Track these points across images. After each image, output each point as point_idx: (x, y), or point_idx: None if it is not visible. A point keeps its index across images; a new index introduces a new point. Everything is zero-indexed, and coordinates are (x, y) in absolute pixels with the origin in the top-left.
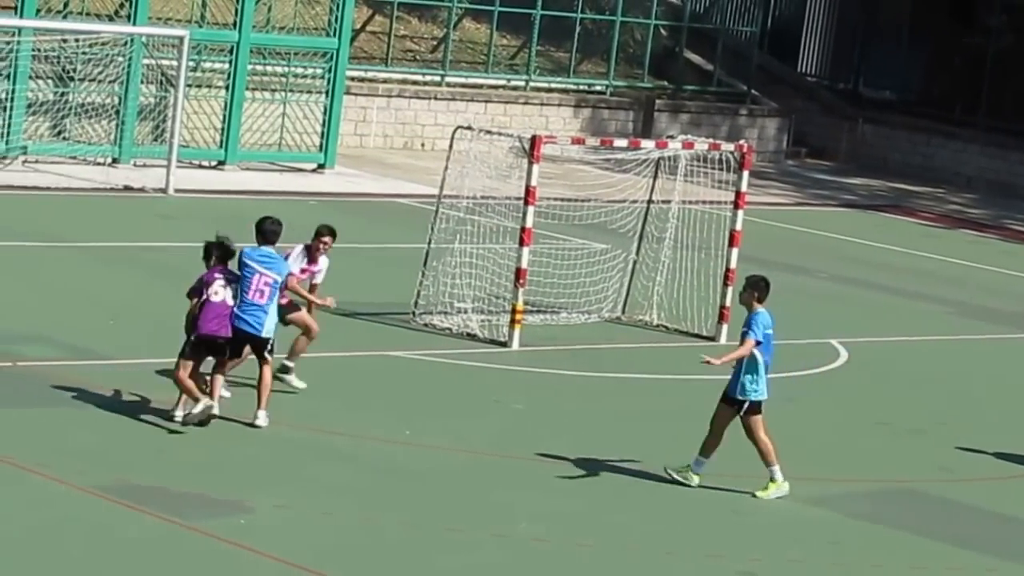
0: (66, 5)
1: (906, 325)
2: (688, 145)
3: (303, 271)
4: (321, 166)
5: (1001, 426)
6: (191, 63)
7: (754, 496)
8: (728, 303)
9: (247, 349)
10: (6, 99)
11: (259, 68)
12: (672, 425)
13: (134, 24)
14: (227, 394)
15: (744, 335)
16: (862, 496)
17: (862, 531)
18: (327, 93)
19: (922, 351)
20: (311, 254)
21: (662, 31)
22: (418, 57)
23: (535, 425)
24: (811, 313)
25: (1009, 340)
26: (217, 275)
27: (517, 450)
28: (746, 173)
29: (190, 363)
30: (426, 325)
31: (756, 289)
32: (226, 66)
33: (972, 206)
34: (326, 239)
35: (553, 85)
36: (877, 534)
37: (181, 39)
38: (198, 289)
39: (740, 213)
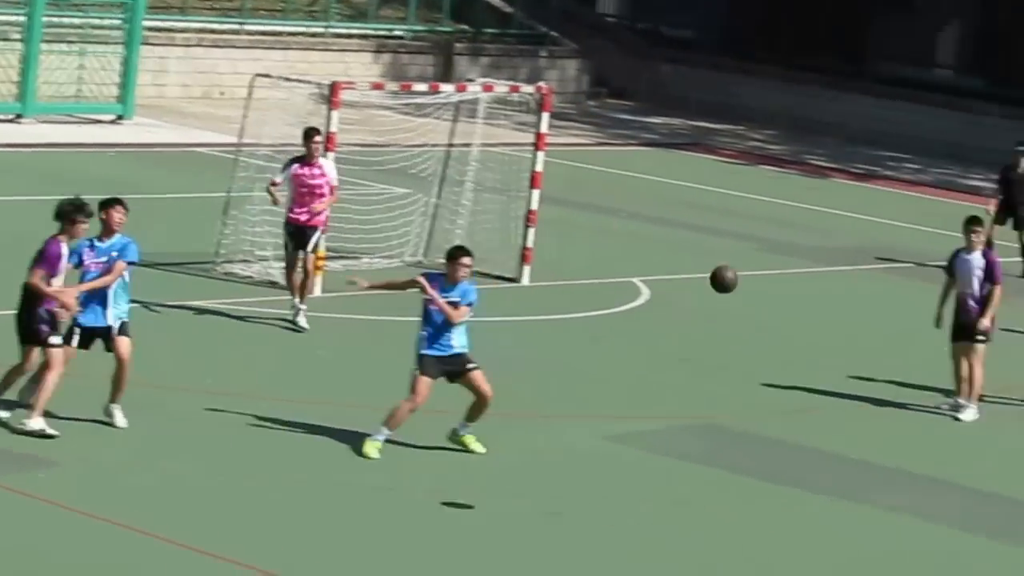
0: None
1: (708, 262)
2: (488, 88)
3: (296, 176)
4: (120, 117)
5: (802, 360)
6: None
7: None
8: (530, 244)
9: None
10: None
11: (55, 19)
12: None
13: None
14: None
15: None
16: (666, 433)
17: (667, 467)
18: (125, 44)
19: None
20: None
21: None
22: (216, 6)
23: (339, 371)
24: (613, 252)
25: (809, 274)
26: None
27: (322, 395)
28: (546, 115)
29: None
30: (227, 274)
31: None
32: (21, 18)
33: (772, 142)
34: (318, 139)
35: (352, 31)
36: (682, 470)
37: None
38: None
39: (541, 155)
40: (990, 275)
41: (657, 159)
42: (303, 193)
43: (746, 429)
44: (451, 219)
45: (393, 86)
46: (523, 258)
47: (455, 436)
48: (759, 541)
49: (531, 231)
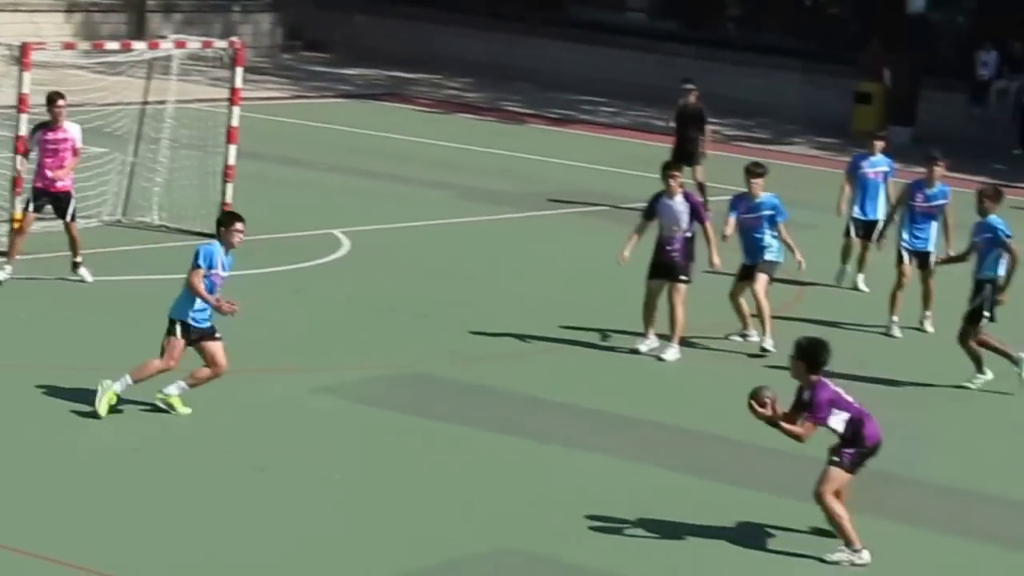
0: None
1: (408, 211)
2: (180, 44)
3: (43, 142)
4: None
5: (508, 306)
6: None
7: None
8: (229, 200)
9: None
10: None
11: None
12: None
13: None
14: None
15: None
16: (373, 382)
17: (374, 417)
18: None
19: (425, 236)
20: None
21: None
22: None
23: (40, 334)
24: (312, 205)
25: (508, 220)
26: None
27: (28, 359)
28: (240, 69)
29: None
30: None
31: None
32: None
33: (469, 90)
34: (61, 103)
35: None
36: (389, 419)
37: None
38: None
39: (236, 109)
40: (696, 216)
41: (354, 110)
42: (50, 158)
43: (453, 376)
44: (148, 177)
45: (85, 45)
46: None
47: (165, 397)
48: (468, 488)
49: (229, 186)
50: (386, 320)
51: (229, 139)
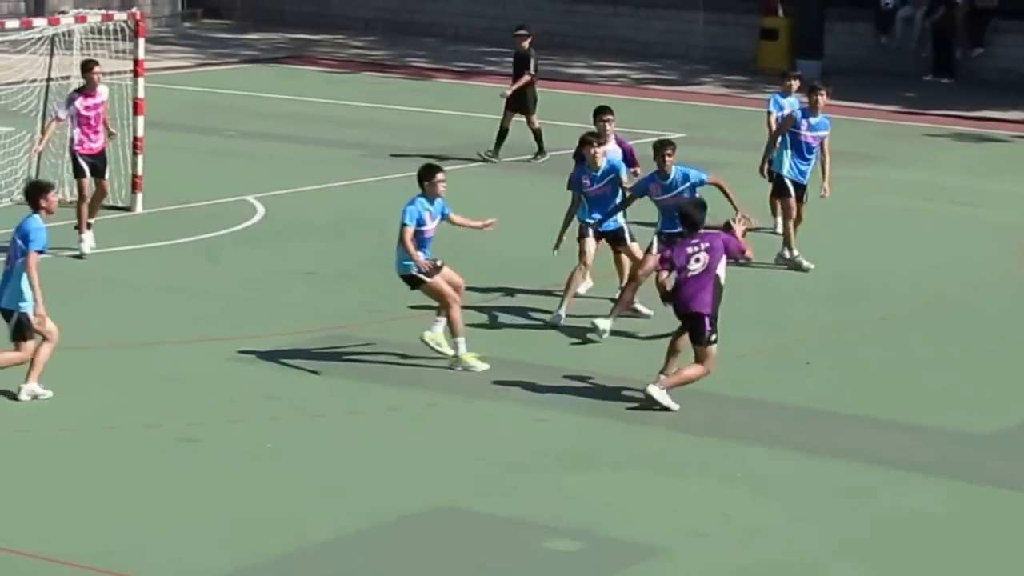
0: None
1: (319, 173)
2: (81, 19)
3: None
4: None
5: None
6: None
7: None
8: (140, 172)
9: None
10: None
11: None
12: (98, 297)
13: None
14: None
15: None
16: (296, 347)
17: (299, 381)
18: None
19: (339, 197)
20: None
21: None
22: None
23: None
24: (224, 172)
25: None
26: None
27: None
28: (142, 40)
29: None
30: None
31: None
32: None
33: (373, 48)
34: (96, 69)
35: None
36: (314, 383)
37: None
38: None
39: (141, 81)
40: (629, 160)
41: (259, 75)
42: (90, 124)
43: (374, 335)
44: (58, 153)
45: None
46: (134, 186)
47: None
48: (398, 448)
49: (140, 158)
50: (305, 283)
51: (136, 111)
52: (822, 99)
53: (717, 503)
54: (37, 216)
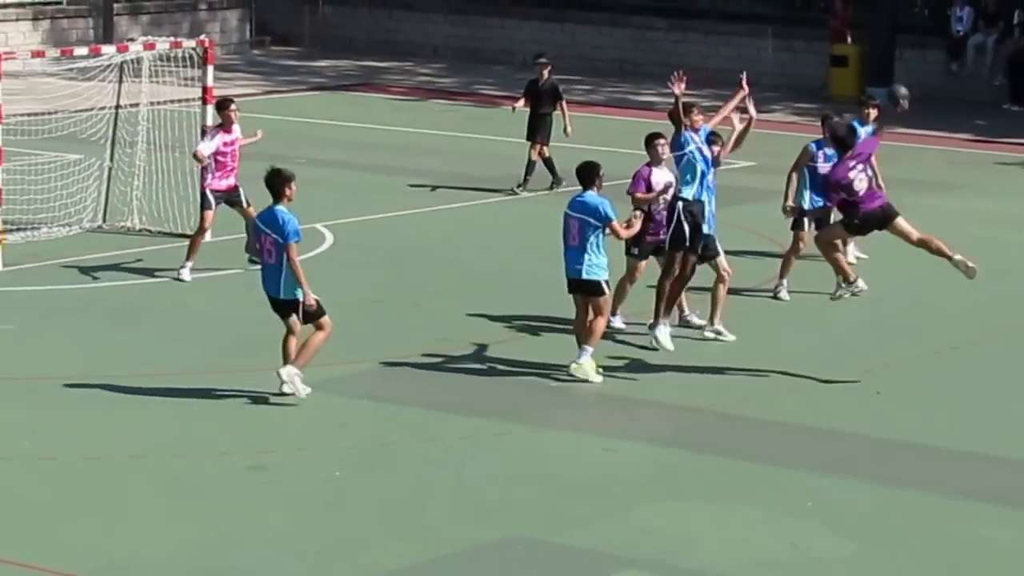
0: None
1: (388, 201)
2: (149, 46)
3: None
4: None
5: (494, 289)
6: None
7: None
8: None
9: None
10: None
11: None
12: (170, 324)
13: None
14: None
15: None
16: (365, 376)
17: (368, 409)
18: None
19: (407, 224)
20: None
21: None
22: None
23: (28, 344)
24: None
25: (489, 204)
26: None
27: (17, 371)
28: (211, 67)
29: None
30: None
31: None
32: None
33: (441, 76)
34: (233, 107)
35: (8, 1)
36: (383, 411)
37: None
38: None
39: (209, 108)
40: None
41: (327, 102)
42: (224, 160)
43: (443, 364)
44: (126, 181)
45: (54, 52)
46: None
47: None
48: (470, 477)
49: None
50: (374, 312)
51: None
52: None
53: (788, 533)
54: (281, 207)
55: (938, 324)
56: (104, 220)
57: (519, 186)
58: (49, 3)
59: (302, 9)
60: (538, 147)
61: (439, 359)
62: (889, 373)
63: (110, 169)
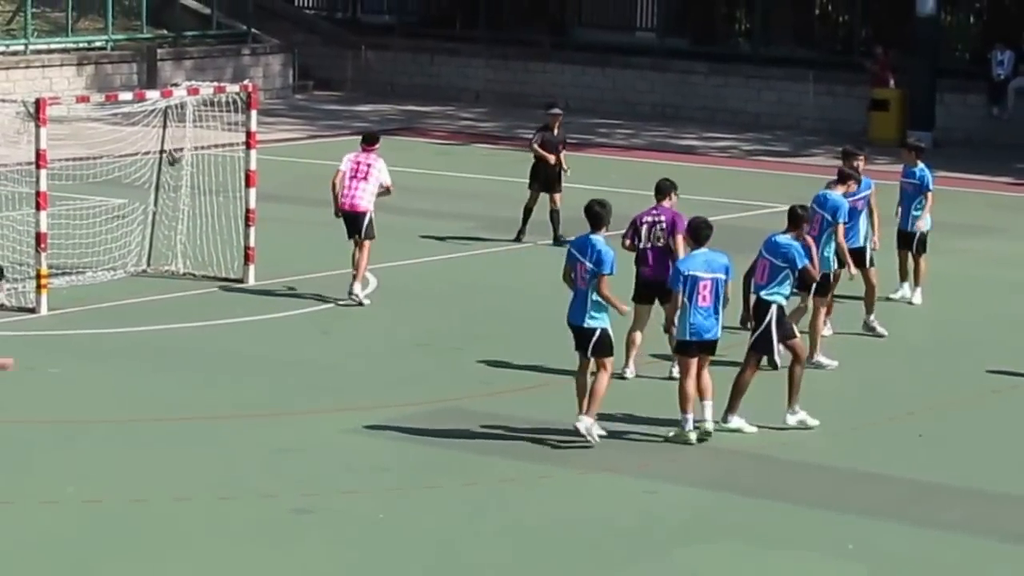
0: None
1: (431, 245)
2: (193, 91)
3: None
4: None
5: (536, 334)
6: None
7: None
8: (252, 243)
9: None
10: None
11: None
12: (212, 368)
13: None
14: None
15: None
16: (409, 419)
17: (413, 453)
18: None
19: (450, 268)
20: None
21: None
22: None
23: (73, 388)
24: (336, 244)
25: (533, 248)
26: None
27: (63, 414)
28: (254, 112)
29: None
30: None
31: None
32: None
33: (483, 120)
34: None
35: (53, 46)
36: (427, 454)
37: None
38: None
39: (253, 152)
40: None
41: None
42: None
43: (486, 408)
44: (170, 225)
45: (98, 97)
46: (246, 258)
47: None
48: (514, 521)
49: (252, 230)
50: (417, 355)
51: (248, 183)
52: (860, 163)
53: None
54: (600, 238)
55: (978, 368)
56: (148, 264)
57: (559, 236)
58: (93, 48)
59: (344, 54)
60: (558, 197)
61: (482, 402)
62: (931, 416)
63: (154, 214)
